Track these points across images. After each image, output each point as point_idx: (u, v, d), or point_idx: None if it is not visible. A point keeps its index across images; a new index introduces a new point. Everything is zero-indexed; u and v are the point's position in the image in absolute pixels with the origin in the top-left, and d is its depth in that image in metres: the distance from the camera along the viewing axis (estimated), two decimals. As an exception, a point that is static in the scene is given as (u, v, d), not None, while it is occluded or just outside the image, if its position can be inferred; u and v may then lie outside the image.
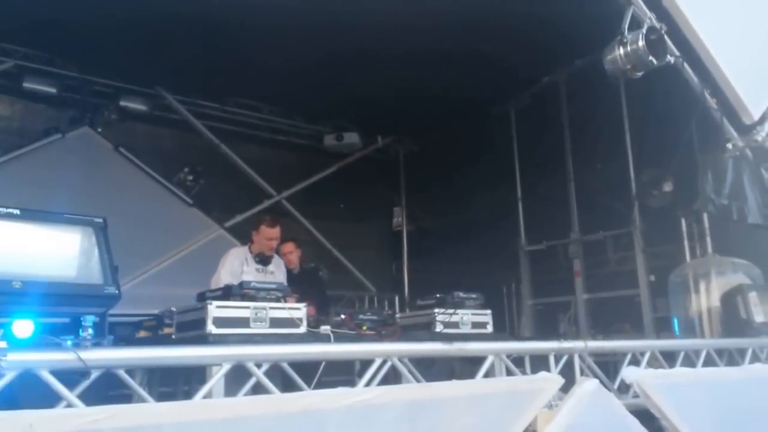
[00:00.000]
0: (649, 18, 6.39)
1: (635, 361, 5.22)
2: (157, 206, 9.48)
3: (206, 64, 8.60)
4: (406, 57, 8.15)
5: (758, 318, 6.54)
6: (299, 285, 6.68)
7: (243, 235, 8.17)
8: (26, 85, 8.72)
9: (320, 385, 3.92)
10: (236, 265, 6.22)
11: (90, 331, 3.07)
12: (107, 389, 3.24)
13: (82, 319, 3.02)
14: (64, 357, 2.86)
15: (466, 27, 7.54)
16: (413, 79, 8.74)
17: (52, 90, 8.90)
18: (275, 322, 4.19)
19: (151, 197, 9.54)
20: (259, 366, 3.47)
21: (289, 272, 7.10)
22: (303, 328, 4.29)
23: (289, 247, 7.29)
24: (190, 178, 10.02)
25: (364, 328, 4.78)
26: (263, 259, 6.36)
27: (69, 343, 2.97)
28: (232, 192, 10.45)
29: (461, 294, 5.34)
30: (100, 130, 9.46)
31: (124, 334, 4.94)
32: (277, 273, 6.47)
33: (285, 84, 9.30)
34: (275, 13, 7.14)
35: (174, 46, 7.92)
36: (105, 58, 8.61)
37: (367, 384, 3.78)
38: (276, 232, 6.44)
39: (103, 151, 9.40)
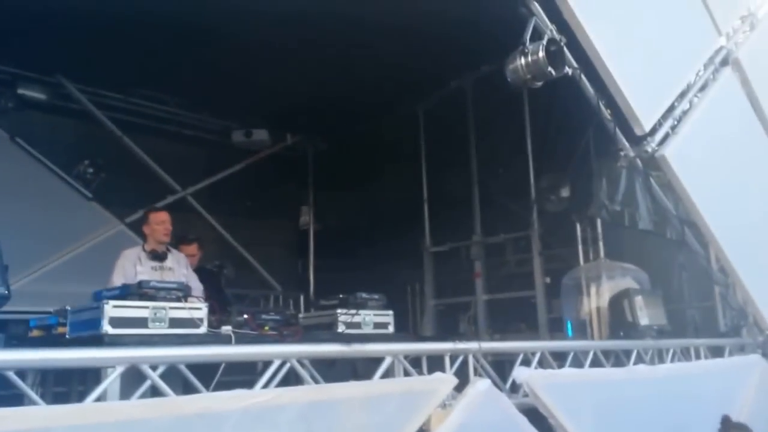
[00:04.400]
0: (550, 30, 6.52)
1: (527, 361, 5.38)
2: (54, 200, 9.11)
3: (110, 52, 8.18)
4: (317, 55, 8.16)
5: (643, 321, 6.87)
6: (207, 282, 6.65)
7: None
8: None
9: (221, 386, 3.91)
10: (128, 267, 5.96)
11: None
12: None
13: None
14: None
15: (375, 27, 7.57)
16: (323, 77, 8.74)
17: (-59, 75, 8.38)
18: (175, 322, 4.16)
19: (49, 190, 9.17)
20: (155, 368, 3.43)
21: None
22: (203, 329, 4.28)
23: (193, 249, 7.16)
24: (90, 171, 9.62)
25: (266, 328, 4.79)
26: (158, 255, 6.12)
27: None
28: (135, 186, 10.04)
29: (364, 295, 5.43)
30: (-6, 119, 9.01)
31: (17, 333, 4.80)
32: (176, 268, 6.22)
33: (193, 77, 9.09)
34: (184, 5, 6.99)
35: (76, 32, 7.53)
36: (1, 42, 8.07)
37: (266, 385, 3.80)
38: (165, 215, 6.26)
39: (-2, 140, 9.00)
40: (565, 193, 8.74)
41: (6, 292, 3.00)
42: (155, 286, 4.27)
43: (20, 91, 9.00)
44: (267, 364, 4.01)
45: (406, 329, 8.28)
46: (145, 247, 6.18)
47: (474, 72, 9.41)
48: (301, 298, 11.36)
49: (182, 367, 3.60)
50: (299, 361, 4.04)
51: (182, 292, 4.35)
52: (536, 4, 6.52)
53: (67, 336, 4.23)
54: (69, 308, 4.41)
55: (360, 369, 5.27)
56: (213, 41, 7.83)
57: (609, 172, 7.76)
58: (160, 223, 6.17)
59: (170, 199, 10.43)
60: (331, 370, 4.66)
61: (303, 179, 12.21)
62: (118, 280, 5.71)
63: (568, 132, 8.11)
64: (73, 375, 5.08)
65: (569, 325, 7.71)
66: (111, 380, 3.29)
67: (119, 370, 3.29)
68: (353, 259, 10.28)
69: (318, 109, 10.09)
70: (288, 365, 3.98)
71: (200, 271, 7.23)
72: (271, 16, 7.21)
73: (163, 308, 4.13)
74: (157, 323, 4.08)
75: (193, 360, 3.74)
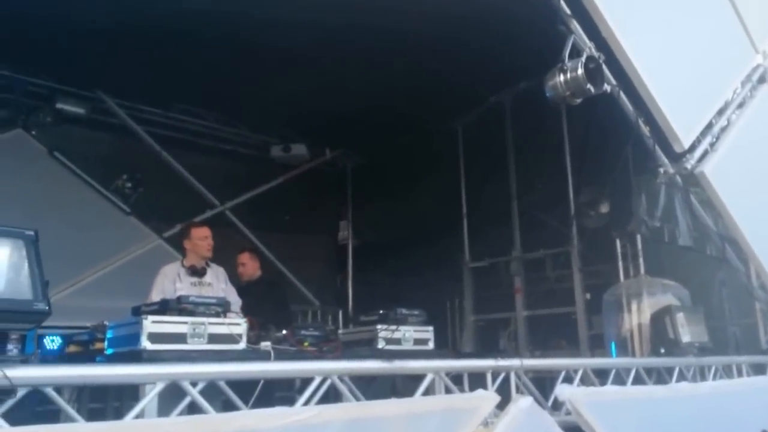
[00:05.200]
0: (589, 47, 6.56)
1: (569, 378, 5.32)
2: (92, 214, 9.18)
3: (150, 67, 8.31)
4: (356, 70, 8.18)
5: (685, 338, 6.77)
6: (261, 298, 6.61)
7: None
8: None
9: (260, 401, 3.86)
10: (167, 284, 5.91)
11: (14, 346, 2.97)
12: (34, 405, 3.13)
13: (6, 334, 2.91)
14: (-11, 375, 2.75)
15: (416, 44, 7.61)
16: (362, 92, 8.75)
17: (-16, 90, 8.46)
18: (214, 338, 4.12)
19: (87, 204, 9.25)
20: (195, 384, 3.39)
21: (248, 284, 7.00)
22: (242, 345, 4.24)
23: (244, 257, 7.16)
24: (129, 185, 9.71)
25: (306, 344, 4.74)
26: (197, 271, 6.08)
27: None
28: (173, 201, 10.04)
29: (404, 310, 5.36)
30: (33, 132, 9.13)
31: (52, 348, 4.81)
32: (215, 283, 6.16)
33: (232, 92, 9.18)
34: (223, 20, 7.07)
35: (116, 47, 7.65)
36: (41, 57, 8.26)
37: (306, 402, 3.74)
38: (207, 230, 6.23)
39: (37, 155, 9.09)
40: (604, 208, 8.65)
41: (46, 307, 2.97)
42: (194, 302, 4.23)
43: (59, 105, 9.11)
44: (305, 381, 3.96)
45: (445, 345, 8.23)
46: (184, 263, 6.15)
47: (512, 88, 9.37)
48: (340, 313, 11.33)
49: (222, 384, 3.56)
50: (340, 378, 3.97)
51: (221, 308, 4.31)
52: (575, 22, 6.57)
53: (105, 352, 4.21)
54: (107, 323, 4.40)
55: (399, 385, 5.21)
56: (251, 56, 7.90)
57: (648, 188, 7.73)
58: (203, 238, 6.15)
59: (209, 213, 10.47)
60: (371, 386, 4.60)
61: (341, 194, 12.22)
62: (157, 296, 5.65)
63: (606, 147, 8.04)
64: (108, 391, 5.09)
65: (613, 344, 7.57)
66: (151, 396, 3.25)
67: (160, 386, 3.26)
68: (392, 275, 10.21)
69: (357, 123, 10.08)
70: (329, 382, 3.92)
71: (265, 283, 7.27)
72: (310, 32, 7.25)
73: (203, 324, 4.09)
74: (196, 339, 4.04)
75: (236, 376, 3.71)
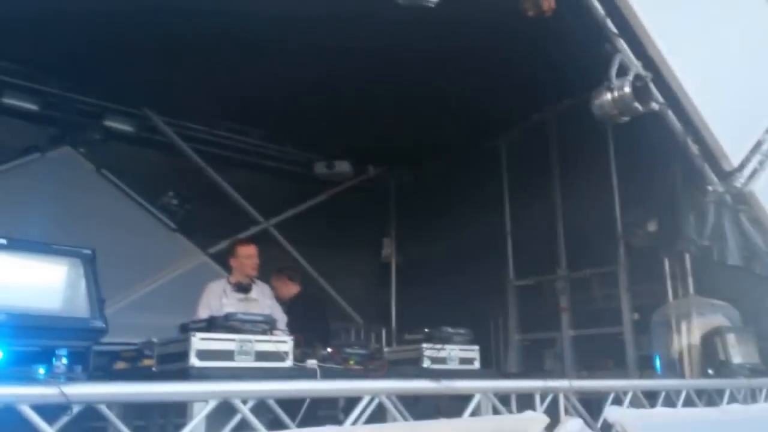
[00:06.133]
0: (636, 66, 6.50)
1: (618, 400, 5.24)
2: (139, 231, 9.26)
3: (195, 86, 8.45)
4: (400, 88, 8.18)
5: (736, 359, 6.68)
6: (295, 313, 6.62)
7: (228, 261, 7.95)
8: (5, 100, 8.41)
9: (305, 421, 3.85)
10: (213, 300, 5.99)
11: (64, 362, 3.00)
12: (85, 421, 3.16)
13: (60, 351, 2.94)
14: (47, 392, 2.77)
15: (459, 62, 7.62)
16: (406, 109, 8.78)
17: (33, 107, 8.62)
18: (260, 356, 4.14)
19: (133, 221, 9.34)
20: (245, 402, 3.39)
21: (294, 302, 7.06)
22: (289, 362, 4.24)
23: (273, 281, 7.12)
24: (175, 202, 9.82)
25: (351, 362, 4.75)
26: (243, 287, 6.15)
27: (42, 372, 2.91)
28: (218, 218, 10.19)
29: (449, 329, 5.35)
30: (81, 150, 9.24)
31: (101, 364, 4.84)
32: (261, 299, 6.23)
33: (276, 109, 9.25)
34: (268, 38, 7.14)
35: (162, 66, 7.78)
36: (89, 75, 8.42)
37: (355, 422, 3.73)
38: (253, 248, 6.28)
39: (85, 172, 9.21)
40: (652, 227, 8.46)
41: (103, 325, 3.02)
42: (241, 319, 4.25)
43: (107, 123, 9.25)
44: (351, 399, 3.95)
45: (489, 364, 8.15)
46: (230, 280, 6.21)
47: (556, 106, 9.35)
48: (383, 330, 11.26)
49: (272, 402, 3.55)
50: (387, 397, 3.95)
51: (268, 325, 4.33)
52: (621, 40, 6.50)
53: (153, 369, 4.24)
54: (155, 340, 4.46)
55: (443, 405, 5.16)
56: (296, 74, 7.95)
57: (696, 207, 7.60)
58: (249, 257, 6.22)
59: (253, 230, 10.54)
60: (416, 406, 4.56)
61: (385, 211, 12.19)
62: (203, 313, 5.75)
63: (653, 165, 7.95)
64: (153, 408, 5.10)
65: (658, 364, 7.44)
66: (204, 414, 3.25)
67: (212, 404, 3.26)
68: (435, 292, 10.06)
69: (400, 141, 10.12)
70: (376, 401, 3.89)
71: (303, 297, 7.28)
72: (353, 51, 7.26)
73: (250, 341, 4.11)
74: (243, 356, 4.07)
75: (286, 395, 3.72)
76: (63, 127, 9.09)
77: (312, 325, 6.39)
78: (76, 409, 2.86)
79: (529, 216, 9.81)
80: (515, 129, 10.00)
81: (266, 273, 6.87)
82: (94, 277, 3.06)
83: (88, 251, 3.11)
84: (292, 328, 5.39)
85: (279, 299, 7.05)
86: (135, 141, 9.64)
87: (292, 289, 7.28)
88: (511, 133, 10.09)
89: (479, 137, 10.07)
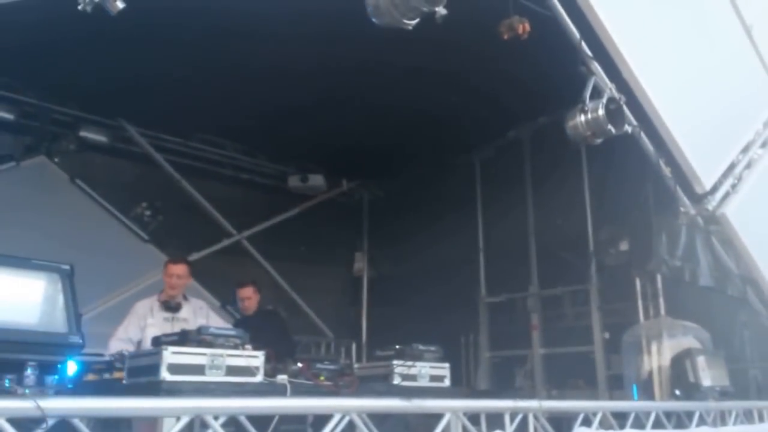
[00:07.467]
0: (610, 88, 6.59)
1: (587, 421, 5.22)
2: (111, 241, 9.27)
3: (171, 97, 8.38)
4: (375, 102, 8.21)
5: (705, 382, 6.74)
6: (258, 329, 6.57)
7: (199, 274, 7.78)
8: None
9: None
10: (135, 320, 5.82)
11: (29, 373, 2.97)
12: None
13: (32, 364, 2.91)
14: (22, 405, 2.75)
15: (434, 79, 7.67)
16: (380, 124, 8.81)
17: (9, 116, 8.59)
18: (231, 370, 4.11)
19: (106, 231, 9.35)
20: (216, 419, 3.37)
21: (245, 317, 7.01)
22: (259, 377, 4.22)
23: (248, 292, 7.10)
24: (148, 213, 9.82)
25: (322, 378, 4.71)
26: (170, 306, 5.95)
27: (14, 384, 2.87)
28: (191, 229, 10.17)
29: (420, 346, 5.33)
30: (56, 159, 9.23)
31: (70, 375, 4.77)
32: (191, 318, 5.94)
33: (251, 122, 9.26)
34: (244, 53, 7.17)
35: (139, 77, 7.74)
36: (66, 86, 8.40)
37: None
38: (179, 268, 6.01)
39: (59, 181, 9.21)
40: (624, 246, 8.54)
41: (80, 340, 2.99)
42: (214, 333, 4.22)
43: (82, 133, 9.19)
44: (320, 415, 3.92)
45: (460, 381, 8.15)
46: (159, 298, 6.04)
47: (531, 123, 9.41)
48: (354, 345, 11.22)
49: (242, 419, 3.54)
50: (358, 415, 3.94)
51: (240, 340, 4.30)
52: (596, 63, 6.60)
53: (123, 381, 4.19)
54: (126, 353, 4.43)
55: (412, 422, 5.15)
56: (270, 87, 7.97)
57: (669, 227, 7.71)
58: (170, 275, 5.98)
59: (226, 242, 10.54)
60: (385, 422, 4.54)
61: (358, 225, 12.20)
62: (121, 334, 5.73)
63: (626, 185, 8.04)
64: (121, 420, 5.03)
65: (635, 387, 7.47)
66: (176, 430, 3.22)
67: (184, 420, 3.22)
68: (406, 308, 10.10)
69: (374, 155, 10.15)
70: (347, 419, 3.88)
71: (263, 313, 7.22)
72: (329, 63, 7.31)
73: (221, 355, 4.08)
74: (214, 370, 4.04)
75: (257, 411, 3.70)
76: (38, 137, 9.07)
77: (273, 338, 6.34)
78: (51, 422, 2.83)
79: (502, 232, 9.86)
80: (490, 146, 10.08)
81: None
82: (72, 292, 3.04)
83: (66, 266, 3.09)
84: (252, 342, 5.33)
85: (247, 311, 7.05)
86: (110, 151, 9.59)
87: (258, 299, 7.25)
88: (485, 149, 10.16)
89: (454, 153, 10.14)
